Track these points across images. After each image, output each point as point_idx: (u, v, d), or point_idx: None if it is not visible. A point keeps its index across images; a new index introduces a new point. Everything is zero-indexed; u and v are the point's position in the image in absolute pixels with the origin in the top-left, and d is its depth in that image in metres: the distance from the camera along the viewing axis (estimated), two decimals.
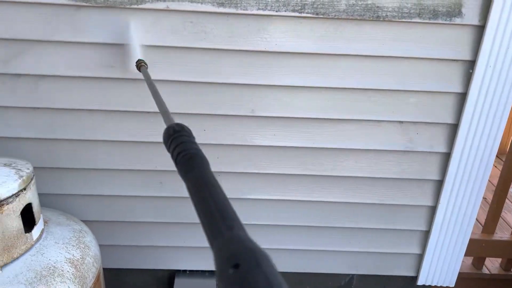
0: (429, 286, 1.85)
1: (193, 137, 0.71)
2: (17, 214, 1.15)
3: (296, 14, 1.37)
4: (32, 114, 1.48)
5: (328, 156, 1.60)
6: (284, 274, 1.83)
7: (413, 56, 1.45)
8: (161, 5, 1.34)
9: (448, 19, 1.40)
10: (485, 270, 2.05)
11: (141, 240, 1.71)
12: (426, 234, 1.75)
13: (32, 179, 1.23)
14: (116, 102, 1.47)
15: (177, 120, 1.49)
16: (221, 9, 1.35)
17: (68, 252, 1.26)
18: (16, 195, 1.14)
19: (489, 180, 1.65)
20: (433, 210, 1.70)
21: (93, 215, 1.65)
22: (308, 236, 1.74)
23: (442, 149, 1.59)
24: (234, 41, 1.40)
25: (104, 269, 1.50)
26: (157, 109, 1.46)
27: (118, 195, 1.62)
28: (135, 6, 1.34)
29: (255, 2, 1.35)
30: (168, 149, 0.70)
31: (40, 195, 1.30)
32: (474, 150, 1.56)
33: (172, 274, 1.81)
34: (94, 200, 1.64)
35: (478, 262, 2.05)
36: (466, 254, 1.78)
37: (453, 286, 1.83)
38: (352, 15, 1.38)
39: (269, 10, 1.36)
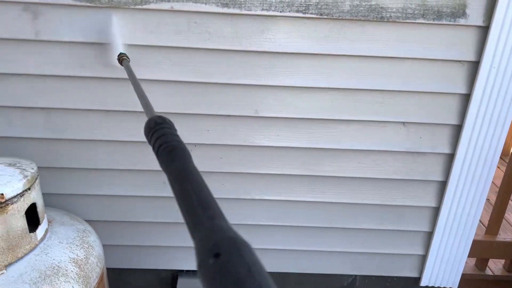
0: (432, 287, 1.85)
1: (175, 130, 0.70)
2: (21, 213, 1.15)
3: (300, 14, 1.37)
4: (34, 114, 1.48)
5: (331, 157, 1.60)
6: (287, 274, 1.83)
7: (417, 57, 1.45)
8: (165, 6, 1.34)
9: (452, 20, 1.40)
10: (488, 272, 2.04)
11: (144, 240, 1.72)
12: (430, 235, 1.74)
13: (36, 179, 1.23)
14: (116, 102, 1.47)
15: (180, 120, 1.50)
16: (225, 10, 1.36)
17: (72, 252, 1.26)
18: (21, 195, 1.14)
19: (492, 181, 1.64)
20: (436, 211, 1.70)
21: (96, 215, 1.65)
22: (311, 237, 1.74)
23: (446, 150, 1.59)
24: (238, 42, 1.40)
25: (107, 269, 1.51)
26: (156, 109, 1.47)
27: (121, 195, 1.63)
28: (139, 7, 1.34)
29: (259, 2, 1.35)
30: (150, 142, 0.69)
31: (43, 194, 1.30)
32: (478, 151, 1.56)
33: (176, 274, 1.81)
34: (97, 200, 1.64)
35: (482, 263, 2.04)
36: (469, 255, 1.78)
37: (456, 287, 1.83)
38: (356, 16, 1.38)
39: (273, 10, 1.36)
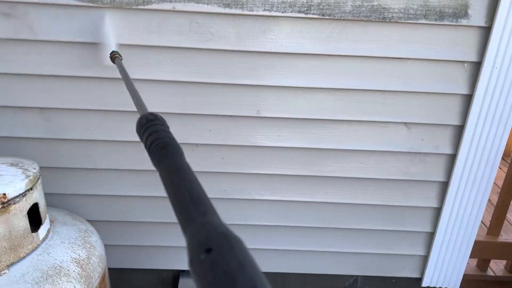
0: (434, 287, 1.85)
1: (167, 127, 0.69)
2: (24, 213, 1.15)
3: (302, 15, 1.37)
4: (35, 114, 1.49)
5: (333, 157, 1.60)
6: (288, 275, 1.83)
7: (419, 58, 1.45)
8: (167, 6, 1.34)
9: (454, 20, 1.39)
10: (490, 272, 2.04)
11: (145, 240, 1.72)
12: (431, 235, 1.74)
13: (38, 179, 1.23)
14: (116, 102, 1.48)
15: (182, 121, 1.50)
16: (227, 10, 1.36)
17: (74, 252, 1.26)
18: (23, 194, 1.15)
19: (494, 182, 1.64)
20: (438, 211, 1.70)
21: (98, 215, 1.65)
22: (312, 237, 1.74)
23: (448, 150, 1.59)
24: (240, 42, 1.41)
25: (109, 269, 1.51)
26: (155, 109, 1.47)
27: (122, 195, 1.63)
28: (141, 7, 1.35)
29: (261, 3, 1.35)
30: (141, 139, 0.69)
31: (45, 194, 1.30)
32: (479, 152, 1.56)
33: (177, 274, 1.81)
34: (99, 200, 1.64)
35: (483, 264, 2.04)
36: (471, 256, 1.78)
37: None
38: (358, 16, 1.38)
39: (275, 11, 1.36)
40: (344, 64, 1.45)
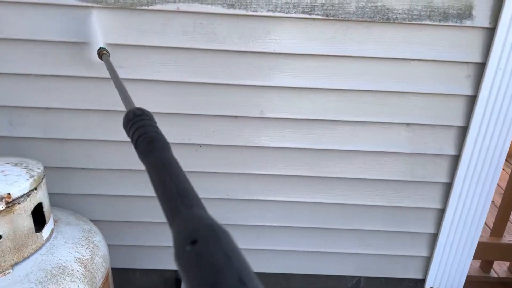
0: None
1: (154, 121, 0.69)
2: (28, 213, 1.15)
3: (306, 16, 1.37)
4: (38, 114, 1.49)
5: (337, 158, 1.60)
6: (291, 275, 1.83)
7: (423, 59, 1.45)
8: (171, 7, 1.34)
9: (458, 21, 1.39)
10: (493, 274, 2.04)
11: (148, 240, 1.72)
12: (434, 236, 1.74)
13: (42, 179, 1.24)
14: (117, 102, 1.47)
15: (185, 121, 1.50)
16: (231, 11, 1.36)
17: (78, 252, 1.26)
18: (27, 194, 1.15)
19: (497, 183, 1.64)
20: (441, 212, 1.69)
21: (101, 215, 1.66)
22: (315, 238, 1.74)
23: (451, 151, 1.59)
24: (244, 43, 1.41)
25: (112, 268, 1.51)
26: (159, 110, 1.48)
27: (125, 195, 1.63)
28: (146, 7, 1.35)
29: (265, 3, 1.35)
30: (128, 134, 0.68)
31: (49, 194, 1.30)
32: (483, 153, 1.56)
33: (179, 275, 1.81)
34: (102, 200, 1.65)
35: (486, 265, 2.04)
36: (474, 257, 1.77)
37: None
38: (362, 17, 1.38)
39: (279, 12, 1.36)
40: (348, 65, 1.45)
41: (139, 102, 1.46)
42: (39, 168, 1.24)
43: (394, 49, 1.43)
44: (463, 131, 1.55)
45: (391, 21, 1.39)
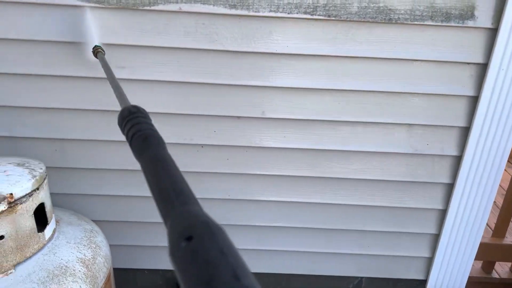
0: None
1: (149, 119, 0.69)
2: (30, 213, 1.15)
3: (308, 16, 1.37)
4: (40, 114, 1.49)
5: (338, 159, 1.60)
6: (293, 276, 1.83)
7: (425, 59, 1.45)
8: (173, 7, 1.34)
9: (460, 22, 1.39)
10: (494, 274, 2.03)
11: (150, 240, 1.72)
12: (436, 237, 1.74)
13: (45, 179, 1.24)
14: (118, 103, 1.48)
15: (187, 121, 1.50)
16: (233, 11, 1.36)
17: (80, 252, 1.26)
18: (30, 194, 1.15)
19: (499, 184, 1.64)
20: (443, 213, 1.69)
21: (103, 215, 1.66)
22: (317, 238, 1.74)
23: (453, 152, 1.58)
24: (246, 43, 1.41)
25: (114, 269, 1.51)
26: (161, 110, 1.48)
27: (127, 195, 1.63)
28: (148, 8, 1.35)
29: (267, 4, 1.35)
30: (123, 131, 0.68)
31: (51, 194, 1.30)
32: (485, 154, 1.55)
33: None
34: (104, 200, 1.65)
35: (488, 266, 2.03)
36: (476, 258, 1.77)
37: None
38: (364, 18, 1.38)
39: (281, 12, 1.36)
40: (350, 65, 1.45)
41: (140, 102, 1.46)
42: (41, 168, 1.24)
43: (396, 49, 1.43)
44: (465, 131, 1.55)
45: (393, 21, 1.39)
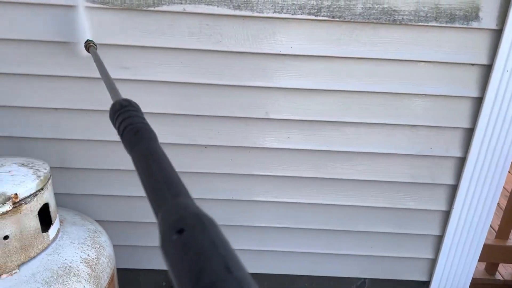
0: None
1: (141, 113, 0.68)
2: (34, 213, 1.16)
3: (312, 17, 1.37)
4: (44, 114, 1.50)
5: (342, 160, 1.60)
6: (296, 277, 1.82)
7: (429, 60, 1.44)
8: (178, 8, 1.35)
9: (465, 23, 1.39)
10: (498, 276, 2.03)
11: (154, 241, 1.72)
12: (440, 239, 1.73)
13: (49, 179, 1.24)
14: None
15: (191, 122, 1.51)
16: (237, 12, 1.36)
17: (84, 252, 1.27)
18: (34, 195, 1.15)
19: (503, 186, 1.63)
20: (447, 214, 1.69)
21: (106, 215, 1.66)
22: (320, 239, 1.74)
23: (457, 153, 1.58)
24: (250, 44, 1.41)
25: (117, 269, 1.51)
26: (165, 111, 1.48)
27: (130, 196, 1.63)
28: (152, 9, 1.35)
29: (271, 5, 1.35)
30: (114, 125, 0.67)
31: (54, 194, 1.31)
32: (489, 155, 1.55)
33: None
34: (107, 200, 1.65)
35: (492, 268, 2.03)
36: (479, 260, 1.76)
37: None
38: (368, 19, 1.38)
39: (285, 13, 1.36)
40: (354, 66, 1.45)
41: (144, 102, 1.46)
42: (45, 169, 1.25)
43: (400, 50, 1.43)
44: (469, 133, 1.55)
45: (398, 22, 1.38)
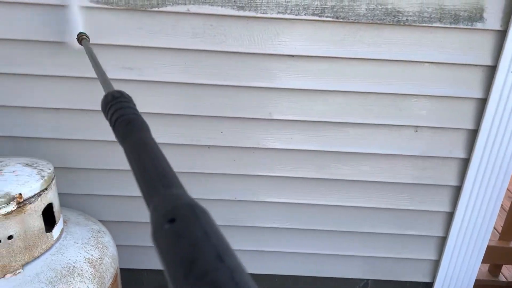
0: None
1: (133, 104, 0.67)
2: (38, 213, 1.16)
3: (316, 18, 1.37)
4: (47, 114, 1.50)
5: (345, 160, 1.60)
6: (298, 277, 1.82)
7: (433, 61, 1.44)
8: (182, 8, 1.35)
9: (469, 24, 1.38)
10: (501, 278, 2.02)
11: None
12: (443, 240, 1.73)
13: (53, 179, 1.24)
14: None
15: (194, 122, 1.51)
16: (241, 13, 1.36)
17: (87, 252, 1.27)
18: (38, 195, 1.16)
19: (506, 187, 1.63)
20: (450, 216, 1.68)
21: (110, 215, 1.66)
22: (323, 240, 1.74)
23: (461, 154, 1.58)
24: (253, 45, 1.41)
25: (120, 269, 1.52)
26: (168, 111, 1.48)
27: (134, 196, 1.64)
28: (156, 9, 1.35)
29: (275, 5, 1.35)
30: (106, 117, 0.67)
31: (58, 194, 1.31)
32: (493, 156, 1.55)
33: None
34: (111, 200, 1.65)
35: (495, 269, 2.02)
36: (482, 261, 1.76)
37: None
38: (372, 19, 1.38)
39: (289, 13, 1.36)
40: (358, 67, 1.45)
41: (147, 103, 1.47)
42: (49, 169, 1.25)
43: (404, 51, 1.42)
44: (473, 134, 1.55)
45: (402, 23, 1.38)
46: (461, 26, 1.39)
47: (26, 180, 1.16)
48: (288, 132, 1.54)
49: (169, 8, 1.35)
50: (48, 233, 1.21)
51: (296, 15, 1.36)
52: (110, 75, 1.42)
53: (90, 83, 1.45)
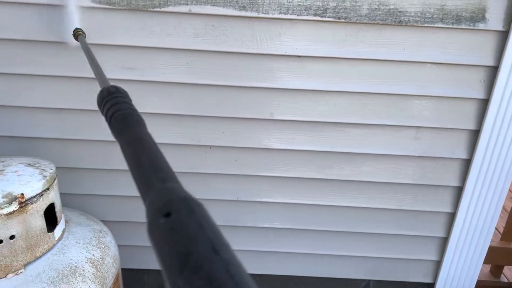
0: None
1: (129, 99, 0.67)
2: (40, 213, 1.16)
3: (318, 18, 1.37)
4: (49, 114, 1.50)
5: (347, 161, 1.59)
6: (300, 278, 1.82)
7: (435, 62, 1.44)
8: (183, 8, 1.35)
9: (471, 24, 1.38)
10: (503, 278, 2.02)
11: None
12: (445, 240, 1.73)
13: (55, 179, 1.24)
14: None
15: (196, 122, 1.51)
16: (243, 13, 1.36)
17: (89, 252, 1.27)
18: (40, 195, 1.16)
19: (508, 188, 1.63)
20: (452, 216, 1.68)
21: (111, 215, 1.66)
22: (325, 241, 1.74)
23: (463, 155, 1.57)
24: (255, 45, 1.41)
25: (122, 269, 1.52)
26: (170, 111, 1.48)
27: (135, 196, 1.63)
28: (158, 9, 1.35)
29: (276, 6, 1.35)
30: (102, 112, 0.67)
31: (60, 194, 1.31)
32: (495, 157, 1.54)
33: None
34: (112, 201, 1.65)
35: (496, 270, 2.02)
36: (484, 262, 1.76)
37: None
38: (374, 20, 1.37)
39: (290, 14, 1.36)
40: (359, 67, 1.45)
41: (149, 103, 1.47)
42: (51, 169, 1.25)
43: (406, 52, 1.42)
44: (475, 134, 1.54)
45: (404, 24, 1.38)
46: (463, 26, 1.39)
47: (28, 180, 1.16)
48: (290, 133, 1.54)
49: (171, 9, 1.35)
50: (50, 233, 1.21)
51: (298, 15, 1.36)
52: (111, 75, 1.43)
53: (91, 83, 1.45)
